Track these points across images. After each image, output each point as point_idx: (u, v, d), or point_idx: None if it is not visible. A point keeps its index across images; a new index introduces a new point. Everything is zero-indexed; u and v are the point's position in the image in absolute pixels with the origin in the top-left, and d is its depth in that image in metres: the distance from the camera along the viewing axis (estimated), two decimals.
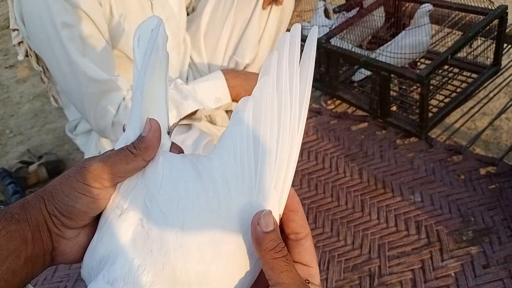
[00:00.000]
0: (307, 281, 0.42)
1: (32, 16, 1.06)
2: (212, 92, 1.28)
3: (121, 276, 0.39)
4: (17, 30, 1.15)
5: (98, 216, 0.45)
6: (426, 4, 1.58)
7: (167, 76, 0.49)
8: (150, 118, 0.45)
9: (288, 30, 1.63)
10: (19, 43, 1.18)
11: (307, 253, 0.43)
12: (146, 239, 0.41)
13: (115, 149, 0.44)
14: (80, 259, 0.45)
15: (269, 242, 0.39)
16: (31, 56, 1.20)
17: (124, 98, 1.15)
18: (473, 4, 1.56)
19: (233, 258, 0.41)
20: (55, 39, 1.05)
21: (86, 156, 1.37)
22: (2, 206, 0.41)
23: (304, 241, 0.43)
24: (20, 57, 1.21)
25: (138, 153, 0.43)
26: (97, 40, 1.09)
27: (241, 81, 1.31)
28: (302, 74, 0.44)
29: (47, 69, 1.24)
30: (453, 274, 1.10)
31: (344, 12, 1.70)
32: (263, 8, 1.37)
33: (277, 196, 0.42)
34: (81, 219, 0.43)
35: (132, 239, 0.41)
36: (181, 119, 1.25)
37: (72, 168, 0.44)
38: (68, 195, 0.42)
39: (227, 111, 1.52)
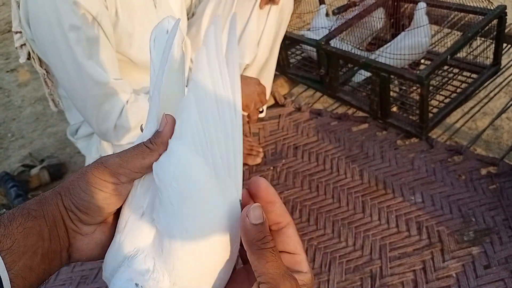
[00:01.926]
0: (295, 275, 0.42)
1: (39, 17, 1.06)
2: None
3: (145, 271, 0.40)
4: (20, 32, 1.16)
5: (115, 213, 0.45)
6: (421, 4, 1.58)
7: (185, 76, 0.50)
8: (166, 114, 0.45)
9: (287, 31, 1.61)
10: (22, 45, 1.18)
11: (290, 241, 0.43)
12: (160, 238, 0.42)
13: (132, 146, 0.45)
14: (96, 256, 0.46)
15: (256, 233, 0.39)
16: (33, 58, 1.20)
17: (127, 101, 1.16)
18: (472, 4, 1.56)
19: (219, 251, 0.42)
20: (61, 41, 1.06)
21: (87, 160, 1.37)
22: (4, 210, 0.41)
23: (286, 229, 0.43)
24: (22, 59, 1.21)
25: (155, 148, 0.43)
26: (102, 43, 1.10)
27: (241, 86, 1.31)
28: (228, 63, 0.45)
29: (48, 71, 1.24)
30: (454, 275, 1.10)
31: (344, 14, 1.70)
32: (260, 7, 1.37)
33: (232, 183, 0.43)
34: (97, 215, 0.44)
35: (153, 240, 0.42)
36: None
37: (89, 164, 0.44)
38: (85, 190, 0.42)
39: None
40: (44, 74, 1.24)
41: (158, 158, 0.43)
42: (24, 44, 1.18)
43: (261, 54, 1.48)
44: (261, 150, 1.59)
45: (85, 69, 1.08)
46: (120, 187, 0.43)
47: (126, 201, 0.45)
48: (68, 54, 1.07)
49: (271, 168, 1.53)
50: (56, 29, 1.05)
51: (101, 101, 1.13)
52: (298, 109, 1.75)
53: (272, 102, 1.82)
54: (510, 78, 1.65)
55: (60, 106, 1.34)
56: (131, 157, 0.43)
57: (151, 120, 0.46)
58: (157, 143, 0.43)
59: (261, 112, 1.43)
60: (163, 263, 0.41)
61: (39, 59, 1.20)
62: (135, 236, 0.42)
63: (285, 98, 1.82)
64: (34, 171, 1.91)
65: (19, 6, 1.11)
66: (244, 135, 1.67)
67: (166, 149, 0.44)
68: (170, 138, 0.44)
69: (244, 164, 1.56)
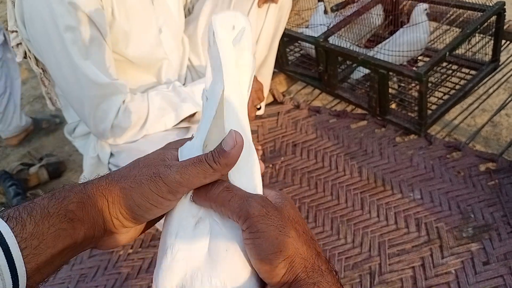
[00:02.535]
0: None
1: (34, 18, 1.05)
2: None
3: None
4: (16, 32, 1.15)
5: None
6: (422, 4, 1.58)
7: (250, 82, 0.46)
8: (235, 132, 0.41)
9: (286, 28, 1.59)
10: (18, 44, 1.18)
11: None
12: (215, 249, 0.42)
13: (191, 159, 0.42)
14: (121, 245, 0.45)
15: (209, 184, 0.42)
16: (30, 58, 1.19)
17: (123, 101, 1.15)
18: (470, 1, 1.56)
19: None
20: (57, 42, 1.05)
21: (85, 159, 1.36)
22: (3, 208, 0.39)
23: None
24: (18, 58, 1.21)
25: (218, 168, 0.41)
26: (99, 43, 1.09)
27: None
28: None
29: (45, 70, 1.24)
30: (453, 271, 1.10)
31: (342, 11, 1.70)
32: (259, 5, 1.36)
33: None
34: (143, 222, 0.44)
35: (208, 252, 0.41)
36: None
37: (144, 173, 0.42)
38: (139, 205, 0.41)
39: None
40: (41, 73, 1.23)
41: (218, 178, 0.42)
42: (20, 43, 1.17)
43: (259, 52, 1.47)
44: (259, 147, 1.59)
45: (81, 70, 1.08)
46: (174, 202, 0.42)
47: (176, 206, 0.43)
48: (64, 54, 1.07)
49: (270, 165, 1.53)
50: (52, 30, 1.04)
51: (98, 101, 1.12)
52: (297, 107, 1.74)
53: (270, 99, 1.81)
54: (509, 74, 1.65)
55: (58, 105, 1.34)
56: (192, 176, 0.41)
57: (204, 127, 0.44)
58: (221, 163, 0.41)
59: (259, 109, 1.43)
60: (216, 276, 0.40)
61: (35, 58, 1.20)
62: (190, 250, 0.41)
63: (283, 96, 1.82)
64: (33, 169, 1.91)
65: (14, 5, 1.11)
66: None
67: (228, 170, 0.42)
68: (236, 161, 0.41)
69: None
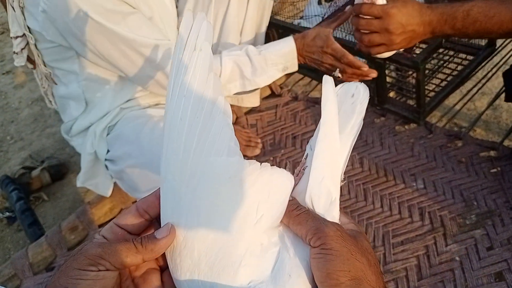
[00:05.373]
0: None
1: (61, 7, 1.06)
2: (282, 60, 1.29)
3: None
4: (20, 37, 1.15)
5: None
6: None
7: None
8: (172, 225, 0.43)
9: (280, 19, 1.56)
10: (21, 49, 1.18)
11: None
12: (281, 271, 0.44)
13: (123, 241, 0.43)
14: None
15: (290, 205, 0.46)
16: (38, 64, 1.20)
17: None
18: None
19: None
20: (97, 26, 1.08)
21: (83, 157, 1.36)
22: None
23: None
24: (21, 63, 1.21)
25: (142, 251, 0.42)
26: (138, 15, 1.13)
27: (302, 47, 1.30)
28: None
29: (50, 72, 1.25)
30: (457, 258, 1.11)
31: (336, 1, 1.68)
32: None
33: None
34: None
35: (271, 275, 0.43)
36: None
37: (69, 258, 0.43)
38: (66, 285, 0.40)
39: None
40: (50, 73, 1.24)
41: (139, 262, 0.43)
42: (24, 48, 1.18)
43: (244, 41, 1.46)
44: (259, 141, 1.59)
45: (133, 41, 1.11)
46: (103, 272, 0.41)
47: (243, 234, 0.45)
48: (118, 38, 1.10)
49: (271, 158, 1.53)
50: (84, 16, 1.06)
51: (164, 65, 1.17)
52: (295, 98, 1.74)
53: (268, 92, 1.81)
54: (507, 56, 1.64)
55: (53, 105, 1.34)
56: (114, 251, 0.41)
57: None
58: (147, 247, 0.42)
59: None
60: None
61: (43, 61, 1.21)
62: (254, 270, 0.42)
63: (281, 88, 1.81)
64: (34, 173, 1.92)
65: (22, 11, 1.10)
66: (242, 126, 1.66)
67: (151, 257, 0.43)
68: (162, 251, 0.43)
69: (243, 156, 1.55)
